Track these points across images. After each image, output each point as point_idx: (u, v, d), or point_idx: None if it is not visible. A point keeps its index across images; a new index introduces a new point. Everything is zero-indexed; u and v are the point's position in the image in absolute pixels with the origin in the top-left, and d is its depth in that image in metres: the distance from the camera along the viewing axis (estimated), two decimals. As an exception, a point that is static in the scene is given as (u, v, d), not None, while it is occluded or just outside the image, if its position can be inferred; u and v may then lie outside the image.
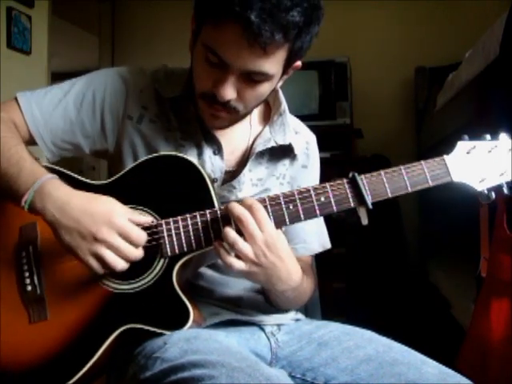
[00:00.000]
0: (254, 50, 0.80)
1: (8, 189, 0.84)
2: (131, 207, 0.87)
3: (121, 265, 0.81)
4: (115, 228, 0.80)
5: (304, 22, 0.80)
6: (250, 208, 0.81)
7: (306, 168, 1.08)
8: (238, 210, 0.81)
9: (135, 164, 0.91)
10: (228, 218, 0.83)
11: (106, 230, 0.79)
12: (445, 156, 0.88)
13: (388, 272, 2.71)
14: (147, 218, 0.85)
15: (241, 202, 0.83)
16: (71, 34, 4.17)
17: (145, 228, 0.86)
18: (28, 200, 0.81)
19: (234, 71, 0.83)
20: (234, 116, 0.93)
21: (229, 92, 0.85)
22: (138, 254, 0.82)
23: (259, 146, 0.99)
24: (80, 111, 0.97)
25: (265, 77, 0.86)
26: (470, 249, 1.67)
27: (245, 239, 0.81)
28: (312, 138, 1.11)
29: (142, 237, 0.82)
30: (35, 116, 0.96)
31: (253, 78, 0.85)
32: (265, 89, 0.89)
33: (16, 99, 0.98)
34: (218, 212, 0.85)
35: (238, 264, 0.81)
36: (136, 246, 0.82)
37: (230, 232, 0.81)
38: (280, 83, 0.95)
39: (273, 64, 0.84)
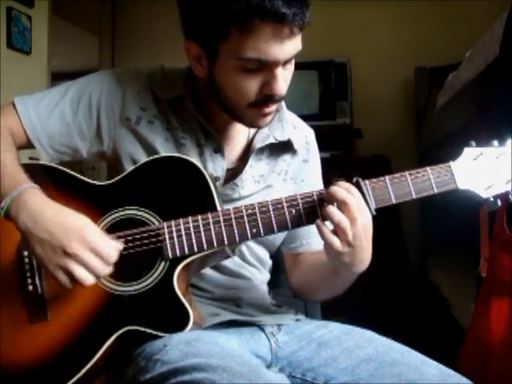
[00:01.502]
0: (294, 36, 0.82)
1: None
2: (131, 209, 0.87)
3: (89, 281, 0.80)
4: (86, 244, 0.79)
5: None
6: (350, 192, 0.82)
7: (307, 162, 1.09)
8: (342, 193, 0.81)
9: (137, 165, 0.91)
10: (229, 219, 0.84)
11: (77, 245, 0.79)
12: (451, 162, 0.86)
13: (388, 272, 2.71)
14: (118, 244, 0.83)
15: (338, 185, 0.83)
16: (71, 34, 4.16)
17: (147, 230, 0.86)
18: (4, 207, 0.82)
19: (279, 64, 0.85)
20: (278, 105, 0.94)
21: (284, 86, 0.87)
22: (107, 271, 0.81)
23: (259, 143, 1.00)
24: (77, 114, 0.97)
25: (297, 53, 0.88)
26: (470, 249, 1.67)
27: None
28: (310, 132, 1.13)
29: (112, 254, 0.81)
30: (32, 120, 0.96)
31: (290, 61, 0.87)
32: (293, 63, 0.90)
33: (13, 104, 0.97)
34: (220, 214, 0.85)
35: (337, 243, 0.81)
36: (107, 263, 0.80)
37: (336, 211, 0.81)
38: None
39: (300, 39, 0.86)
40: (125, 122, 0.97)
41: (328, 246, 0.82)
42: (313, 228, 1.05)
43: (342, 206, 0.81)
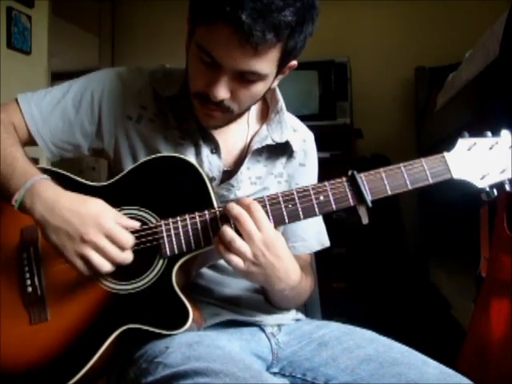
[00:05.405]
0: (246, 50, 0.80)
1: (2, 188, 0.86)
2: (130, 208, 0.87)
3: (106, 267, 0.80)
4: (103, 230, 0.80)
5: (297, 22, 0.80)
6: (247, 208, 0.81)
7: (303, 166, 1.08)
8: (235, 209, 0.81)
9: (134, 166, 0.91)
10: (227, 218, 0.83)
11: (93, 231, 0.79)
12: (445, 153, 0.87)
13: (388, 272, 2.71)
14: (135, 223, 0.85)
15: (239, 201, 0.83)
16: (71, 34, 4.17)
17: (144, 229, 0.86)
18: (18, 199, 0.82)
19: (227, 71, 0.84)
20: (229, 115, 0.93)
21: (221, 92, 0.85)
22: (124, 256, 0.81)
23: (256, 144, 1.00)
24: (79, 111, 0.98)
25: (258, 76, 0.86)
26: (470, 249, 1.67)
27: (243, 239, 0.80)
28: (310, 135, 1.12)
29: (129, 240, 0.82)
30: (34, 116, 0.97)
31: (246, 78, 0.85)
32: (259, 88, 0.89)
33: (16, 100, 0.99)
34: (218, 212, 0.85)
35: (237, 261, 0.80)
36: (123, 249, 0.81)
37: (228, 230, 0.80)
38: (276, 82, 0.96)
39: (265, 64, 0.84)
40: (126, 120, 0.98)
41: (231, 266, 0.81)
42: (299, 232, 1.05)
43: (236, 222, 0.80)
